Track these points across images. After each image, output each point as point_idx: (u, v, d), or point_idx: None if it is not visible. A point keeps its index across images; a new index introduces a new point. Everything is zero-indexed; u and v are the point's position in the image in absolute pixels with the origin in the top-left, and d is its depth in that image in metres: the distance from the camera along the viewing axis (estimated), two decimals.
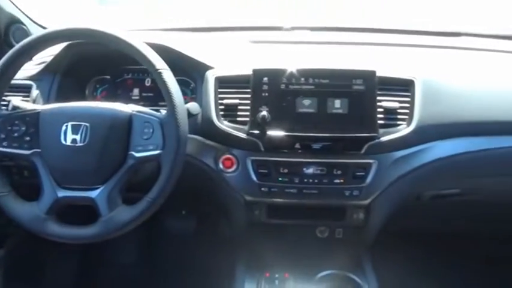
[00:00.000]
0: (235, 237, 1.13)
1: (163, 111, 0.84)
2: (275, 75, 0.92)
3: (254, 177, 0.92)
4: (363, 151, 0.90)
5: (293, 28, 1.33)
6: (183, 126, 0.79)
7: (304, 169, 0.92)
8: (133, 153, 0.80)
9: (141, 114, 0.82)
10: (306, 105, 0.90)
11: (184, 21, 1.42)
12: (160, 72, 0.80)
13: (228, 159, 0.94)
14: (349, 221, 0.98)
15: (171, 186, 0.79)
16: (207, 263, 1.33)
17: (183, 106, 0.81)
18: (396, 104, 0.92)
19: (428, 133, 0.92)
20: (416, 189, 1.00)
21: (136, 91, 1.10)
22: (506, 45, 1.27)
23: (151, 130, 0.80)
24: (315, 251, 1.04)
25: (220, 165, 0.94)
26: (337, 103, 0.90)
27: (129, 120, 0.81)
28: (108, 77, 1.10)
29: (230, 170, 0.94)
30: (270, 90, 0.91)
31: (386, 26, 1.34)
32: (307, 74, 0.91)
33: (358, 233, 1.02)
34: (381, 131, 0.90)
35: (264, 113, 0.89)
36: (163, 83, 0.79)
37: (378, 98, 0.91)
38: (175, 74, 0.82)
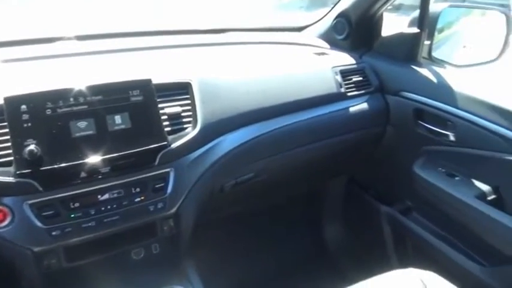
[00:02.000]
0: None
1: None
2: (36, 100, 0.79)
3: (39, 223, 0.78)
4: (156, 162, 0.87)
5: (56, 39, 1.17)
6: None
7: (99, 197, 0.83)
8: None
9: None
10: (82, 127, 0.81)
11: None
12: None
13: None
14: (162, 234, 0.95)
15: None
16: None
17: None
18: (179, 109, 0.92)
19: (213, 130, 0.97)
20: (217, 183, 1.05)
21: None
22: (267, 37, 1.45)
23: None
24: (136, 275, 0.98)
25: None
26: (118, 119, 0.84)
27: None
28: None
29: (4, 223, 0.77)
30: (33, 119, 0.77)
31: (158, 28, 1.33)
32: (77, 93, 0.82)
33: (174, 241, 1.00)
34: (170, 138, 0.89)
35: (32, 147, 0.75)
36: None
37: (160, 105, 0.89)
38: None
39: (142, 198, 0.87)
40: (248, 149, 1.04)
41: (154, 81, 0.89)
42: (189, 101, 0.95)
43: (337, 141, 1.26)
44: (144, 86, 0.87)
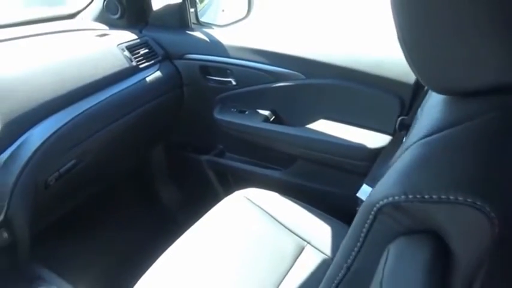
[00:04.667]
0: None
1: None
2: None
3: None
4: None
5: None
6: None
7: None
8: None
9: None
10: None
11: None
12: None
13: None
14: None
15: None
16: None
17: None
18: None
19: (18, 126, 0.94)
20: (40, 180, 1.03)
21: None
22: (40, 28, 1.38)
23: None
24: None
25: None
26: None
27: None
28: None
29: None
30: None
31: None
32: None
33: (13, 251, 0.96)
34: None
35: None
36: None
37: None
38: None
39: None
40: (61, 136, 1.04)
41: None
42: None
43: (143, 112, 1.36)
44: None
